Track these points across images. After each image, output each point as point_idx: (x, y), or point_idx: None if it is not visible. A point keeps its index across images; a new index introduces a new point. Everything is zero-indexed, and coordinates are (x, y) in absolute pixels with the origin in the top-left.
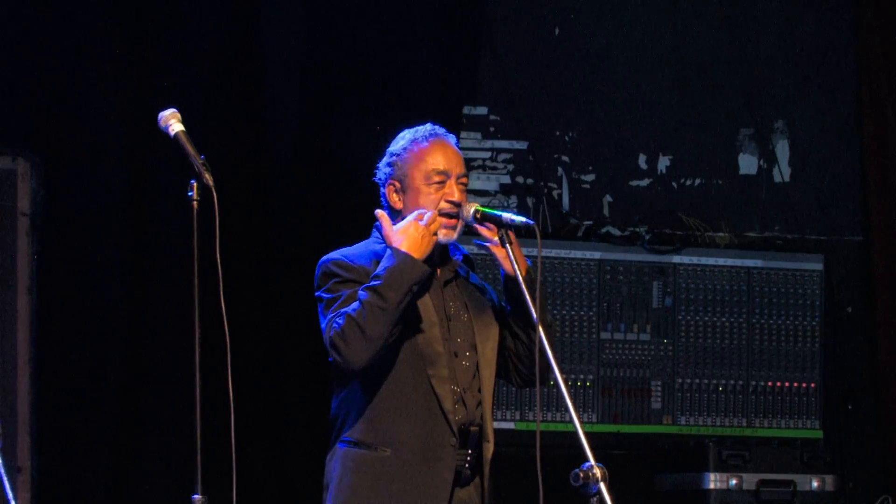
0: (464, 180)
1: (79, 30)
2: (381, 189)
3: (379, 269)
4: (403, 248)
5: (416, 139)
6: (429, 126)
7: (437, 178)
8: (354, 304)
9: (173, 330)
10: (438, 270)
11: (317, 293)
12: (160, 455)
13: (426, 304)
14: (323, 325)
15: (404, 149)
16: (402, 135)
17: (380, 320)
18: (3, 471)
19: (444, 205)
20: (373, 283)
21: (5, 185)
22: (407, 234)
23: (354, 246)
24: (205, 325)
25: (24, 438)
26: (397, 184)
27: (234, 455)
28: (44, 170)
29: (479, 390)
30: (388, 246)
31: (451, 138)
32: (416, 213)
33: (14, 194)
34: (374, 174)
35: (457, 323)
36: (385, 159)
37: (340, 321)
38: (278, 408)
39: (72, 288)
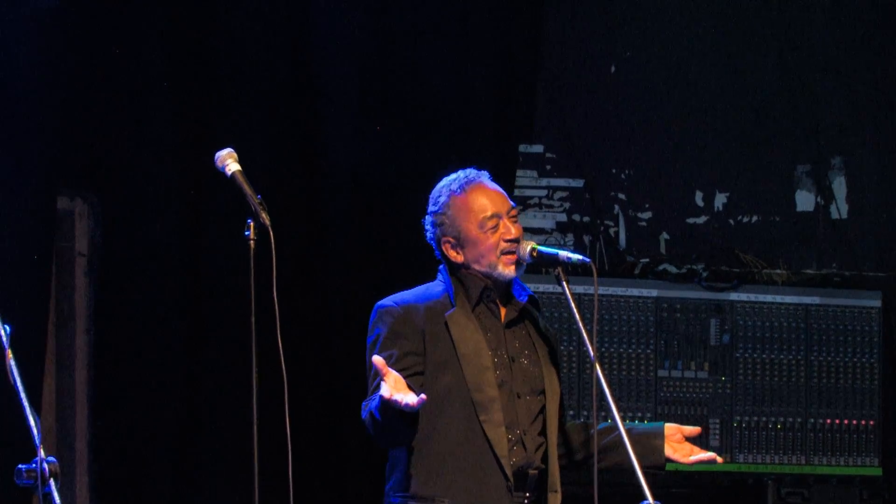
0: (514, 213)
1: (135, 70)
2: (435, 248)
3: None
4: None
5: (453, 192)
6: (460, 174)
7: (490, 224)
8: (366, 407)
9: (231, 369)
10: (503, 311)
11: (368, 339)
12: (218, 495)
13: (480, 349)
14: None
15: (445, 205)
16: (437, 191)
17: (381, 440)
18: None
19: (503, 244)
20: (376, 414)
21: (63, 225)
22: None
23: (413, 289)
24: (262, 363)
25: (83, 478)
26: (452, 240)
27: (291, 496)
28: (101, 210)
29: (543, 434)
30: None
31: (485, 175)
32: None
33: (72, 235)
34: (425, 234)
35: (520, 364)
36: (429, 219)
37: (364, 414)
38: (336, 446)
39: (129, 328)
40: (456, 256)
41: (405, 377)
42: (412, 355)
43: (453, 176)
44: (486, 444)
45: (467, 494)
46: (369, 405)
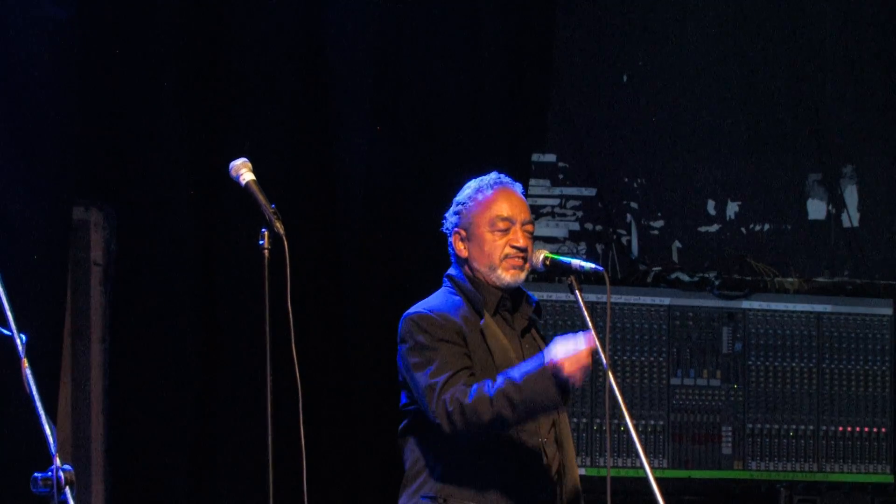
0: (529, 227)
1: (149, 80)
2: (449, 238)
3: (525, 372)
4: (562, 370)
5: (480, 188)
6: (494, 175)
7: (501, 225)
8: (484, 389)
9: (245, 377)
10: (516, 318)
11: (402, 347)
12: None
13: (510, 358)
14: (419, 384)
15: (469, 198)
16: (468, 184)
17: (500, 425)
18: None
19: (508, 250)
20: (513, 393)
21: (79, 235)
22: (572, 358)
23: (433, 297)
24: (277, 372)
25: (98, 487)
26: (463, 232)
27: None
28: (116, 220)
29: (559, 441)
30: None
31: (517, 187)
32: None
33: (87, 245)
34: (442, 224)
35: None
36: (451, 209)
37: (460, 398)
38: (352, 455)
39: (144, 337)
40: (461, 250)
41: (468, 373)
42: (463, 355)
43: (490, 175)
44: (519, 448)
45: (502, 497)
46: (485, 387)
